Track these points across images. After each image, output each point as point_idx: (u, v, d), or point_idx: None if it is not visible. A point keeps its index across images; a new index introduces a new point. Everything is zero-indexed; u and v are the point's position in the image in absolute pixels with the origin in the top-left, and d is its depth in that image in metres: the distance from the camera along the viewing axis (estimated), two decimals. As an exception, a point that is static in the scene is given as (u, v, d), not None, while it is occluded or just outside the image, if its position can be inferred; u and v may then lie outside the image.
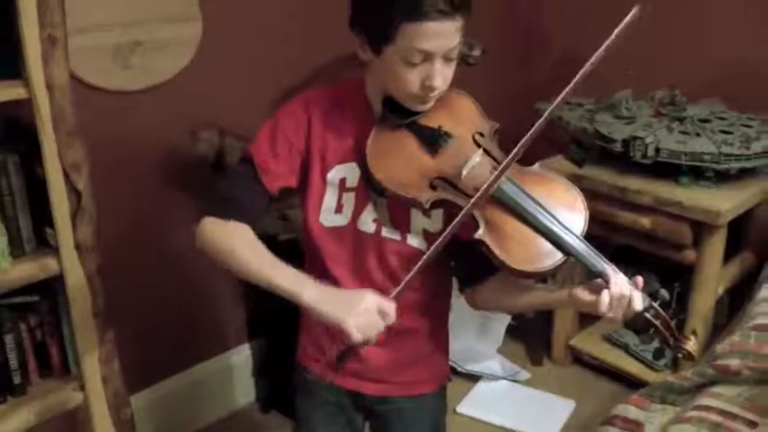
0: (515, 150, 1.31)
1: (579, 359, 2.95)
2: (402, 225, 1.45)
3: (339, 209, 1.46)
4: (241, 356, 2.75)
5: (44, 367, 1.91)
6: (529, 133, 1.30)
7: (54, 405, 1.87)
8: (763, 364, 1.62)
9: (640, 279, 1.30)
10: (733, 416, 1.51)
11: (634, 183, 2.45)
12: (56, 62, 1.63)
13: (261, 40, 2.48)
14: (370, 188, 1.43)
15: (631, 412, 1.67)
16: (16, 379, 1.85)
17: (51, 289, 1.86)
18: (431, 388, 1.63)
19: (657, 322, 1.31)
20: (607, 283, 1.28)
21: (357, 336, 1.25)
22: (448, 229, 1.32)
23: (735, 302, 2.65)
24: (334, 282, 1.46)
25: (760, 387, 1.59)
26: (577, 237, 1.31)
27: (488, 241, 1.30)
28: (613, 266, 1.30)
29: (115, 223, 2.07)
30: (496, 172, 1.30)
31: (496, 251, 1.30)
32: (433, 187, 1.36)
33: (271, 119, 1.48)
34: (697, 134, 2.39)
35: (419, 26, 1.25)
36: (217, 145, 2.24)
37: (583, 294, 1.31)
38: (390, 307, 1.28)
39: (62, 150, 1.69)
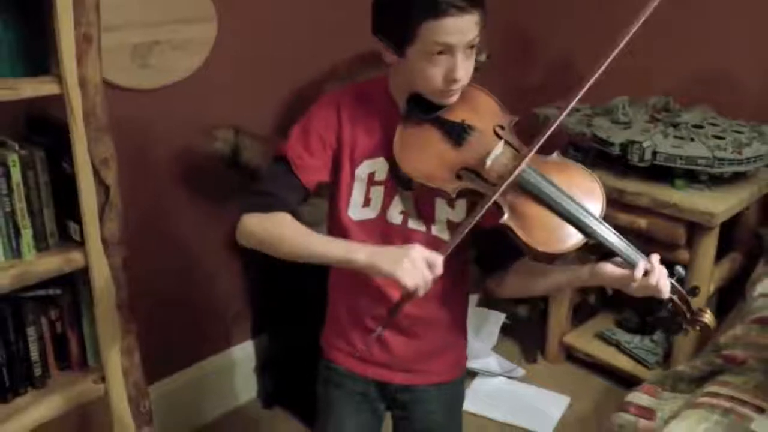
0: (538, 140, 1.39)
1: (572, 356, 3.03)
2: (427, 216, 1.52)
3: (367, 203, 1.53)
4: (245, 352, 2.79)
5: (62, 359, 1.94)
6: (554, 124, 1.39)
7: (74, 397, 1.89)
8: (765, 354, 1.72)
9: (655, 256, 1.37)
10: (743, 402, 1.59)
11: (631, 185, 2.53)
12: (90, 60, 1.67)
13: (274, 40, 2.53)
14: (397, 182, 1.50)
15: (644, 399, 1.74)
16: (37, 371, 1.88)
17: (72, 282, 1.90)
18: (453, 376, 1.70)
19: (675, 297, 1.38)
20: (630, 265, 1.35)
21: (409, 283, 1.30)
22: (474, 215, 1.38)
23: (723, 301, 2.75)
24: (362, 272, 1.51)
25: (764, 376, 1.68)
26: (596, 219, 1.38)
27: (513, 225, 1.37)
28: (637, 250, 1.37)
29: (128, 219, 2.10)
30: (523, 160, 1.37)
31: (521, 234, 1.37)
32: (458, 177, 1.43)
33: (303, 118, 1.54)
34: (692, 139, 2.49)
35: (439, 23, 1.33)
36: (233, 144, 2.28)
37: (608, 268, 1.37)
38: (437, 259, 1.33)
39: (92, 145, 1.72)
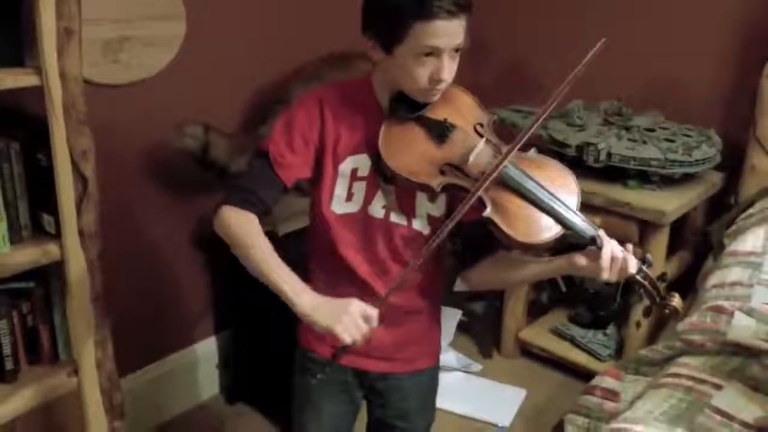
0: (520, 139, 1.46)
1: (528, 351, 3.11)
2: (408, 210, 1.58)
3: (350, 197, 1.58)
4: (208, 348, 2.80)
5: (32, 353, 1.92)
6: (534, 124, 1.46)
7: (47, 391, 1.88)
8: (720, 338, 1.83)
9: (629, 245, 1.46)
10: (701, 381, 1.69)
11: (586, 186, 2.62)
12: (71, 53, 1.68)
13: (242, 39, 2.56)
14: (379, 177, 1.55)
15: (608, 382, 1.83)
16: (8, 365, 1.86)
17: (43, 275, 1.89)
18: (429, 363, 1.77)
19: (646, 282, 1.48)
20: (600, 249, 1.42)
21: (346, 338, 1.35)
22: (459, 208, 1.44)
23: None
24: (344, 261, 1.60)
25: (719, 357, 1.79)
26: (573, 212, 1.47)
27: (495, 219, 1.44)
28: (606, 235, 1.45)
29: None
30: (503, 156, 1.45)
31: (503, 227, 1.44)
32: (442, 173, 1.50)
33: (286, 115, 1.59)
34: (644, 142, 2.60)
35: (429, 25, 1.39)
36: (202, 140, 2.30)
37: (581, 260, 1.46)
38: (373, 312, 1.38)
39: (72, 138, 1.73)
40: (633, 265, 1.44)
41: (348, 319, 1.35)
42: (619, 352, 2.87)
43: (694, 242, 2.82)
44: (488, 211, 1.45)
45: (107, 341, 1.95)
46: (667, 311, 1.48)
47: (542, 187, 1.48)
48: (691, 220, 2.83)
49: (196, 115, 2.36)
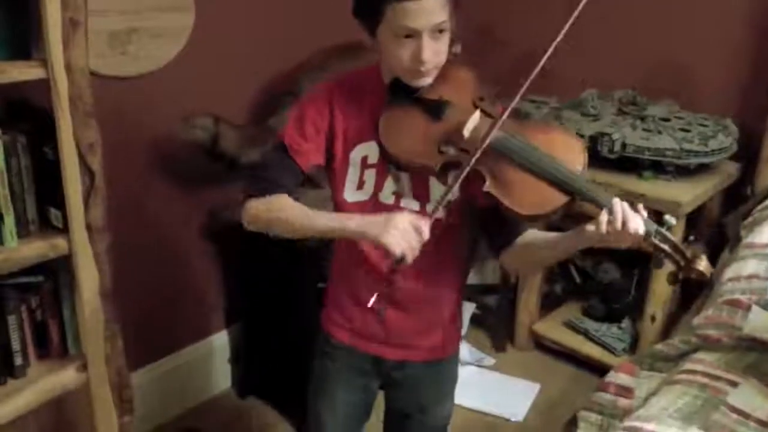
0: (508, 107, 1.43)
1: (541, 345, 3.09)
2: (422, 195, 1.56)
3: (361, 185, 1.57)
4: (221, 342, 2.79)
5: (42, 347, 1.92)
6: (520, 93, 1.42)
7: (56, 386, 1.88)
8: (735, 333, 1.79)
9: (641, 207, 1.36)
10: (717, 377, 1.66)
11: (600, 176, 2.59)
12: (77, 45, 1.66)
13: (251, 30, 2.54)
14: (389, 164, 1.53)
15: (622, 378, 1.80)
16: (18, 361, 1.86)
17: (52, 269, 1.88)
18: (447, 353, 1.74)
19: (665, 246, 1.36)
20: (610, 212, 1.34)
21: (396, 249, 1.33)
22: (452, 181, 1.42)
23: (686, 288, 2.83)
24: (360, 252, 1.59)
25: (735, 352, 1.75)
26: (577, 177, 1.39)
27: (495, 192, 1.40)
28: (617, 199, 1.36)
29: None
30: (493, 125, 1.42)
31: (504, 200, 1.40)
32: (441, 152, 1.47)
33: (298, 108, 1.60)
34: (659, 132, 2.56)
35: (403, 5, 1.36)
36: (213, 132, 2.28)
37: (591, 228, 1.36)
38: (424, 223, 1.35)
39: (78, 130, 1.71)
40: (641, 225, 1.33)
41: (396, 231, 1.34)
42: (633, 346, 2.83)
43: (710, 234, 2.77)
44: (487, 185, 1.41)
45: (116, 336, 1.94)
46: (693, 275, 1.37)
47: (542, 154, 1.42)
48: (707, 212, 2.78)
49: (205, 107, 2.34)
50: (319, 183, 1.84)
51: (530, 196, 1.40)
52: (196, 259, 2.63)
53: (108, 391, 1.95)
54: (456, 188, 1.42)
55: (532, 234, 1.52)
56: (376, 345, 1.67)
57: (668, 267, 1.40)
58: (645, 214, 1.36)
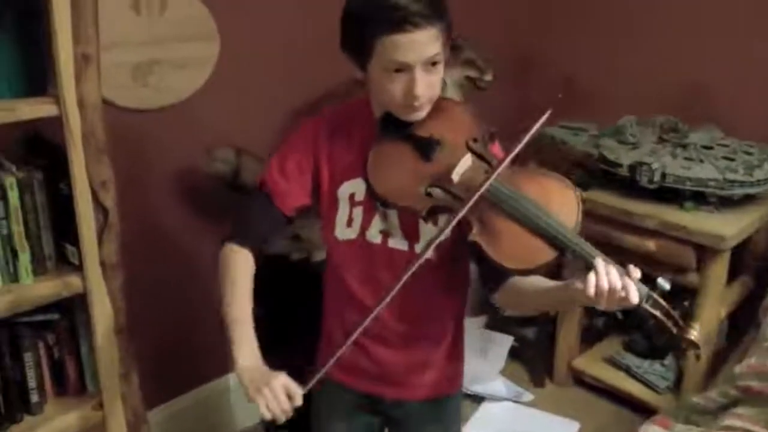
0: (507, 156, 1.35)
1: (581, 381, 2.97)
2: (411, 234, 1.49)
3: (350, 223, 1.52)
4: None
5: (60, 385, 1.90)
6: (524, 141, 1.35)
7: (72, 424, 1.85)
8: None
9: (633, 269, 1.27)
10: (759, 436, 1.55)
11: (639, 207, 2.50)
12: (89, 80, 1.63)
13: (275, 60, 2.50)
14: (376, 201, 1.47)
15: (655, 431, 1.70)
16: (34, 398, 1.84)
17: (69, 306, 1.86)
18: (448, 391, 1.67)
19: (657, 313, 1.28)
20: (597, 275, 1.26)
21: (265, 413, 1.29)
22: (437, 233, 1.35)
23: (734, 325, 2.71)
24: (347, 286, 1.55)
25: (778, 407, 1.64)
26: (569, 232, 1.31)
27: (481, 241, 1.33)
28: (606, 258, 1.28)
29: (124, 241, 2.07)
30: (488, 177, 1.33)
31: (489, 251, 1.32)
32: (428, 195, 1.40)
33: (282, 144, 1.55)
34: (701, 160, 2.45)
35: (393, 39, 1.30)
36: (234, 164, 2.25)
37: (578, 285, 1.28)
38: (297, 392, 1.31)
39: (91, 167, 1.69)
40: (635, 295, 1.24)
41: (268, 393, 1.29)
42: (677, 384, 2.70)
43: (757, 268, 2.65)
44: (473, 233, 1.34)
45: (132, 374, 1.90)
46: (684, 345, 1.31)
47: (534, 205, 1.33)
48: (752, 244, 2.65)
49: (228, 139, 2.31)
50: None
51: (518, 249, 1.32)
52: (217, 292, 2.58)
53: (124, 430, 1.91)
54: (447, 231, 1.35)
55: (523, 279, 1.42)
56: (371, 382, 1.62)
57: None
58: (638, 275, 1.27)
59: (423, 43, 1.31)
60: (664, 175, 2.43)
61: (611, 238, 2.52)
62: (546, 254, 1.30)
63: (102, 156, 1.70)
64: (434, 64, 1.35)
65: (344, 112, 1.56)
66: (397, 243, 1.49)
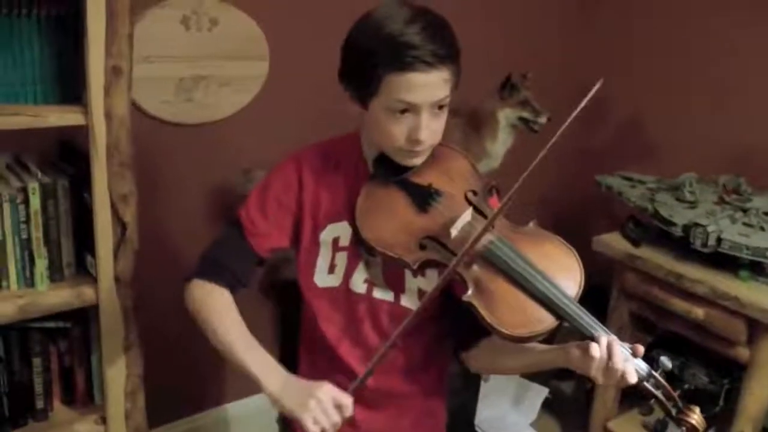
0: (498, 208, 1.26)
1: (615, 444, 2.82)
2: (396, 284, 1.41)
3: (332, 269, 1.43)
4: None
5: (68, 393, 1.89)
6: (513, 189, 1.24)
7: (74, 435, 1.83)
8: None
9: (639, 347, 1.21)
10: None
11: (691, 271, 2.34)
12: (118, 93, 1.62)
13: (322, 88, 2.43)
14: (361, 248, 1.39)
15: None
16: (39, 404, 1.83)
17: (85, 316, 1.84)
18: None
19: (657, 393, 1.23)
20: (599, 351, 1.19)
21: (313, 429, 1.20)
22: (431, 291, 1.27)
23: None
24: (322, 337, 1.45)
25: None
26: (570, 301, 1.23)
27: (477, 303, 1.24)
28: (608, 331, 1.22)
29: (151, 254, 2.04)
30: (479, 230, 1.24)
31: (485, 314, 1.24)
32: (422, 247, 1.32)
33: (263, 180, 1.47)
34: (762, 228, 2.29)
35: (403, 78, 1.23)
36: (268, 187, 2.21)
37: (575, 353, 1.22)
38: (347, 400, 1.22)
39: (112, 180, 1.67)
40: (634, 374, 1.19)
41: (316, 405, 1.20)
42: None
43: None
44: (469, 294, 1.25)
45: (138, 393, 1.87)
46: (684, 428, 1.23)
47: (536, 269, 1.25)
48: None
49: (267, 160, 2.26)
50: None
51: (514, 314, 1.23)
52: (244, 313, 2.55)
53: (124, 448, 1.89)
54: (424, 306, 1.26)
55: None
56: None
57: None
58: (642, 352, 1.21)
59: (434, 85, 1.25)
60: (719, 240, 2.27)
61: (657, 300, 2.38)
62: (545, 322, 1.23)
63: (125, 170, 1.68)
64: (441, 107, 1.29)
65: (330, 147, 1.47)
66: (382, 294, 1.41)
